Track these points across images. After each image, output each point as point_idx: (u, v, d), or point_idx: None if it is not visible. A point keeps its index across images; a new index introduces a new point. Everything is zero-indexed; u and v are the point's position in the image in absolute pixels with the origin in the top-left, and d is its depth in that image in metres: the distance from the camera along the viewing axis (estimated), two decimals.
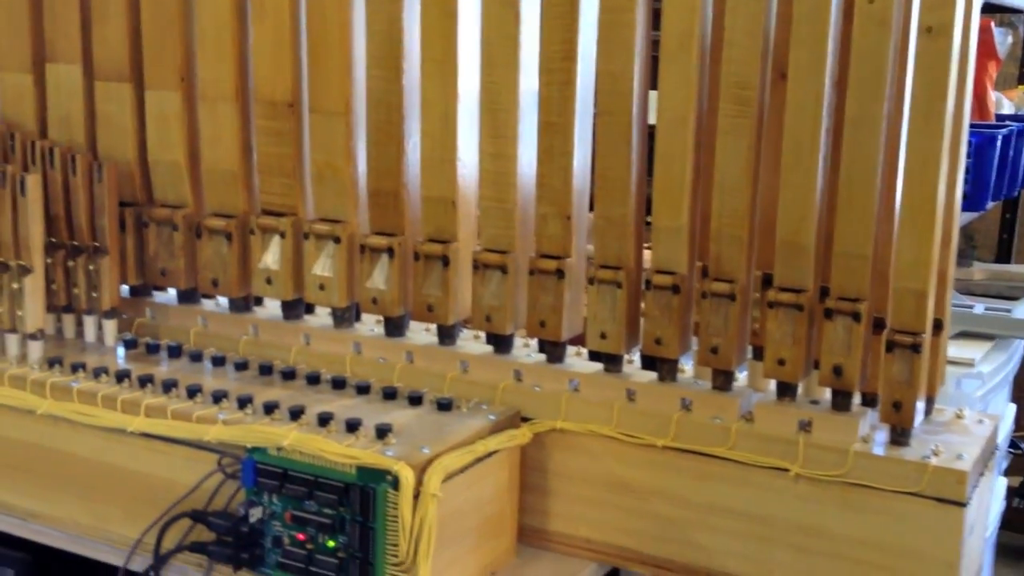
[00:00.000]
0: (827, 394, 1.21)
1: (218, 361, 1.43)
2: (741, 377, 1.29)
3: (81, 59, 1.56)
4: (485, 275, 1.34)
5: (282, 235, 1.45)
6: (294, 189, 1.46)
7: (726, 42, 1.17)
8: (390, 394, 1.31)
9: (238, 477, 1.19)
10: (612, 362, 1.30)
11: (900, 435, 1.16)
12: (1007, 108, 2.78)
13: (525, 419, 1.31)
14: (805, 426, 1.18)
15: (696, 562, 1.25)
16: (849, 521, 1.16)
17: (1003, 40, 2.88)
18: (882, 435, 1.18)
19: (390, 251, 1.38)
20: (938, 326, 1.21)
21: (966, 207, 2.24)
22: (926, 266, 1.11)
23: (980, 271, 3.06)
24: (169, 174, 1.54)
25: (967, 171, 2.20)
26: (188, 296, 1.57)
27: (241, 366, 1.41)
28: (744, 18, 1.16)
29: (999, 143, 2.20)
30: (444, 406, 1.27)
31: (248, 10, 1.44)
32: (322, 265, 1.43)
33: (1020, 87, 2.94)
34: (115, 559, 1.29)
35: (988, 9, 2.63)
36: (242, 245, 1.49)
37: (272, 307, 1.53)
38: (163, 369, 1.40)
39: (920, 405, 1.16)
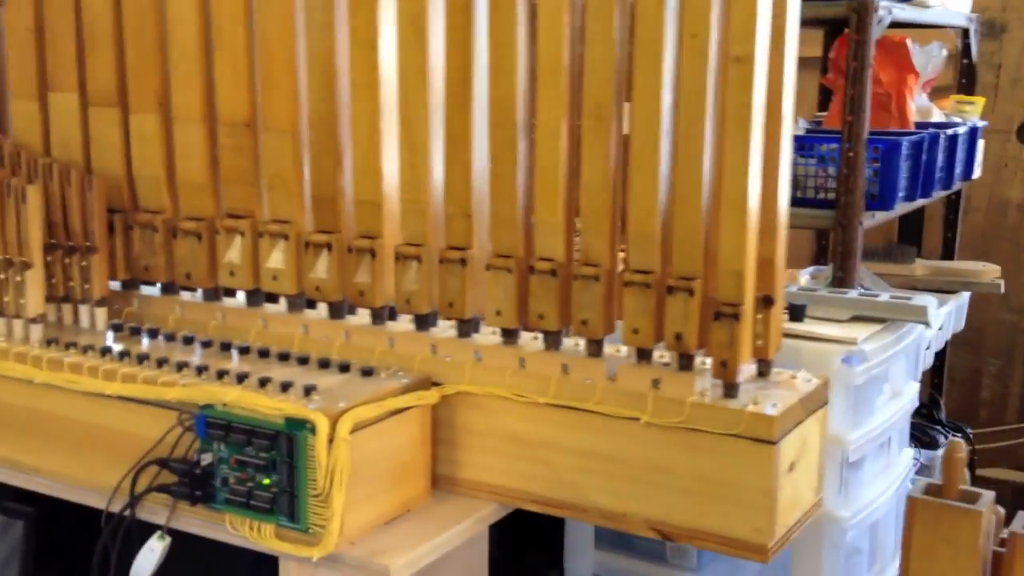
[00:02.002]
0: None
1: (188, 340, 1.70)
2: (625, 349, 1.54)
3: (77, 88, 1.84)
4: (405, 265, 1.60)
5: (242, 234, 1.72)
6: (252, 196, 1.73)
7: (586, 69, 1.43)
8: (324, 364, 1.58)
9: (193, 430, 1.45)
10: (509, 335, 1.56)
11: (729, 389, 1.41)
12: (936, 116, 3.01)
13: (437, 384, 1.57)
14: (656, 383, 1.44)
15: (574, 499, 1.50)
16: (689, 459, 1.41)
17: (938, 53, 3.11)
18: (720, 390, 1.43)
19: (329, 246, 1.65)
20: (769, 301, 1.46)
21: (875, 206, 2.48)
22: (741, 251, 1.37)
23: (921, 267, 3.31)
24: (150, 185, 1.82)
25: (875, 174, 2.44)
26: (168, 288, 1.85)
27: (207, 344, 1.68)
28: (599, 49, 1.42)
29: (904, 149, 2.44)
30: (367, 372, 1.54)
31: (212, 44, 1.72)
32: (275, 259, 1.70)
33: (952, 97, 3.18)
34: (100, 503, 1.56)
35: (917, 26, 2.87)
36: (210, 244, 1.77)
37: (241, 297, 1.80)
38: (142, 347, 1.67)
39: (746, 365, 1.41)
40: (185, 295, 1.86)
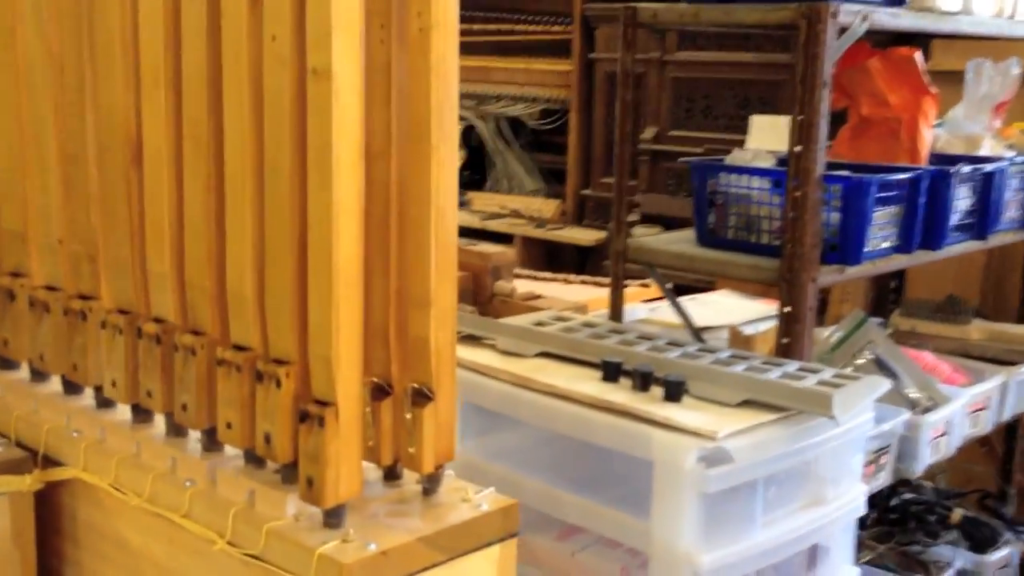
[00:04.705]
0: None
1: None
2: None
3: None
4: (37, 314, 1.34)
5: None
6: None
7: (183, 80, 1.13)
8: None
9: None
10: (138, 412, 1.27)
11: (331, 515, 1.07)
12: (987, 150, 2.50)
13: (55, 463, 1.29)
14: (252, 496, 1.12)
15: None
16: None
17: (1009, 71, 2.61)
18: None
19: None
20: (423, 396, 1.11)
21: (835, 260, 2.04)
22: (328, 330, 1.03)
23: (978, 330, 2.80)
24: None
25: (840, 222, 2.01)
26: None
27: None
28: (192, 54, 1.11)
29: (873, 189, 1.99)
30: None
31: None
32: None
33: (1016, 125, 2.64)
34: None
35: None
36: None
37: None
38: None
39: (347, 484, 1.07)
40: None
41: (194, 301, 1.16)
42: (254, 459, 1.15)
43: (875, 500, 2.03)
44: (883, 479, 2.33)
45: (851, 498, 1.91)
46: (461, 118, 5.41)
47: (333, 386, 1.04)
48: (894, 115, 2.29)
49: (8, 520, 1.27)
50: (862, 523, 2.06)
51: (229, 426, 1.13)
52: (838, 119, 2.60)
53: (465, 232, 5.25)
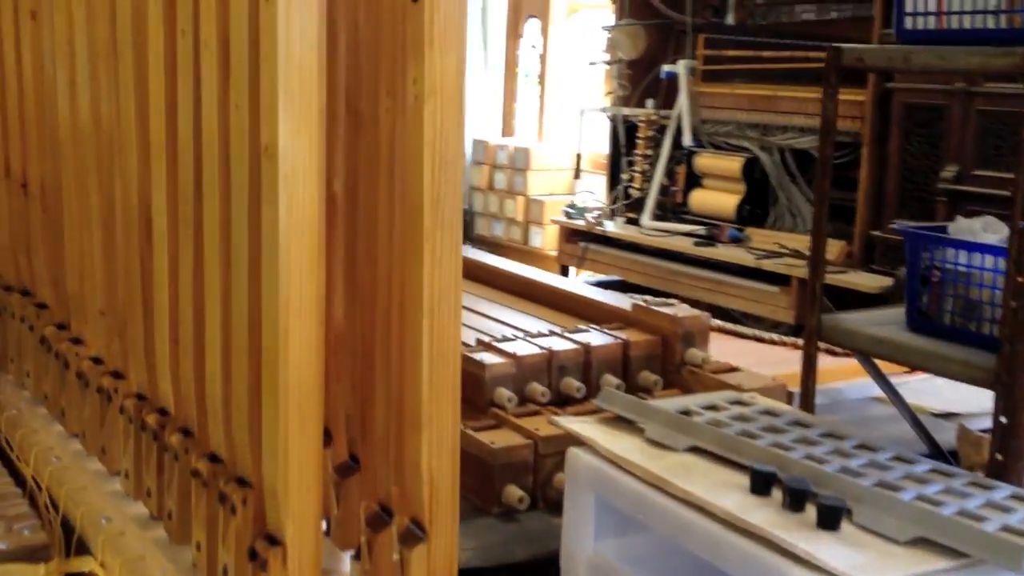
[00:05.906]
0: None
1: None
2: None
3: None
4: (83, 388, 1.26)
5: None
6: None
7: (178, 152, 1.01)
8: None
9: None
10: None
11: None
12: None
13: (85, 552, 1.22)
14: None
15: None
16: None
17: None
18: None
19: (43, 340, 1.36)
20: (411, 536, 0.94)
21: None
22: (275, 457, 0.87)
23: None
24: None
25: None
26: None
27: None
28: (185, 128, 0.99)
29: None
30: None
31: None
32: None
33: None
34: None
35: None
36: None
37: None
38: None
39: None
40: None
41: (186, 395, 1.04)
42: None
43: None
44: None
45: None
46: (744, 149, 5.16)
47: (281, 523, 0.89)
48: None
49: None
50: None
51: (199, 547, 0.99)
52: None
53: (738, 271, 4.94)
